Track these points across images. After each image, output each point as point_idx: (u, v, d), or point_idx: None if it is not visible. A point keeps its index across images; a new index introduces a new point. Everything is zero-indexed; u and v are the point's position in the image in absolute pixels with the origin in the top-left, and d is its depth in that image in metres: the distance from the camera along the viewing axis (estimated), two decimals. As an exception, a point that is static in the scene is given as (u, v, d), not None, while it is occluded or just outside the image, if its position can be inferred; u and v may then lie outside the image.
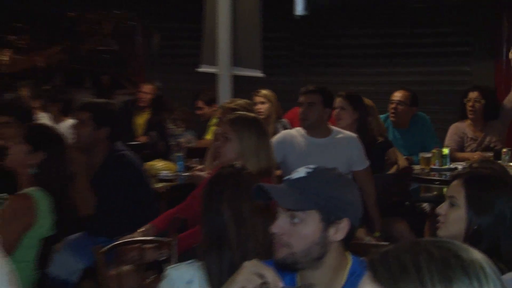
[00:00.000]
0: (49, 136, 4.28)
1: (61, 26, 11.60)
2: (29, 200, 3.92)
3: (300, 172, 2.33)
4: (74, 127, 5.09)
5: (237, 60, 6.53)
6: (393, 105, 6.68)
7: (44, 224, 3.96)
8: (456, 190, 2.73)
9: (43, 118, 7.28)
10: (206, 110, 8.19)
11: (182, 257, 3.61)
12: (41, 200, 3.95)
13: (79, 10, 13.17)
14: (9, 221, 3.81)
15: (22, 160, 4.10)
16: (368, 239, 4.88)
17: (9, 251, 3.34)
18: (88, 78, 10.70)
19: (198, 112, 8.29)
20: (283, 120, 7.01)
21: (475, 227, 2.63)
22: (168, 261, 3.88)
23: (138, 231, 4.31)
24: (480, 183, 2.73)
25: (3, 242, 3.21)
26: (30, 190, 3.98)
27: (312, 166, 2.36)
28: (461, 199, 2.68)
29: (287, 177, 2.41)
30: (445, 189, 3.89)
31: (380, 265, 1.40)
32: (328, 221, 2.27)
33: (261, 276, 2.15)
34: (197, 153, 6.76)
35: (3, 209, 3.92)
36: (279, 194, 2.32)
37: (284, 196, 2.30)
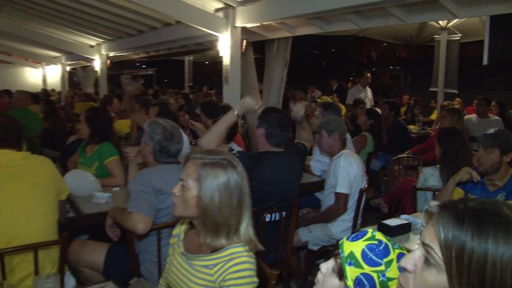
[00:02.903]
0: (375, 114, 3.97)
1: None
2: (364, 137, 3.69)
3: (491, 131, 1.91)
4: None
5: (446, 83, 5.46)
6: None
7: (370, 147, 3.70)
8: None
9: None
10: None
11: (424, 165, 3.20)
12: (369, 138, 3.70)
13: (371, 69, 12.35)
14: (357, 144, 3.52)
15: (365, 122, 3.89)
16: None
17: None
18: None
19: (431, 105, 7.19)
20: (464, 111, 5.80)
21: None
22: (419, 165, 3.45)
23: (405, 153, 3.88)
24: None
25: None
26: (365, 133, 3.75)
27: (496, 128, 1.96)
28: None
29: (483, 133, 1.95)
30: None
31: None
32: (503, 153, 1.86)
33: (470, 174, 1.84)
34: (427, 123, 6.00)
35: (355, 140, 3.60)
36: (481, 139, 1.91)
37: (483, 141, 1.88)
